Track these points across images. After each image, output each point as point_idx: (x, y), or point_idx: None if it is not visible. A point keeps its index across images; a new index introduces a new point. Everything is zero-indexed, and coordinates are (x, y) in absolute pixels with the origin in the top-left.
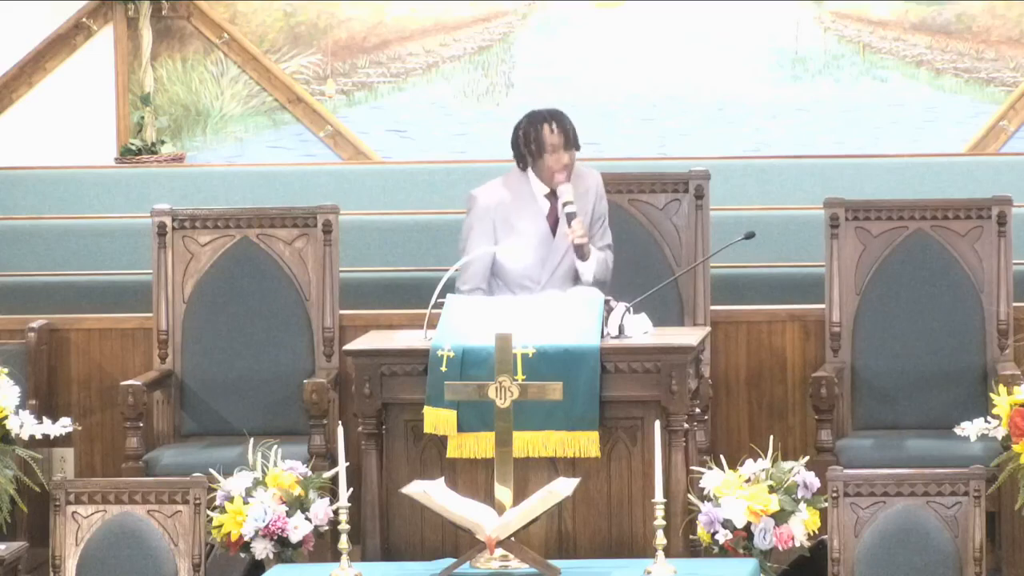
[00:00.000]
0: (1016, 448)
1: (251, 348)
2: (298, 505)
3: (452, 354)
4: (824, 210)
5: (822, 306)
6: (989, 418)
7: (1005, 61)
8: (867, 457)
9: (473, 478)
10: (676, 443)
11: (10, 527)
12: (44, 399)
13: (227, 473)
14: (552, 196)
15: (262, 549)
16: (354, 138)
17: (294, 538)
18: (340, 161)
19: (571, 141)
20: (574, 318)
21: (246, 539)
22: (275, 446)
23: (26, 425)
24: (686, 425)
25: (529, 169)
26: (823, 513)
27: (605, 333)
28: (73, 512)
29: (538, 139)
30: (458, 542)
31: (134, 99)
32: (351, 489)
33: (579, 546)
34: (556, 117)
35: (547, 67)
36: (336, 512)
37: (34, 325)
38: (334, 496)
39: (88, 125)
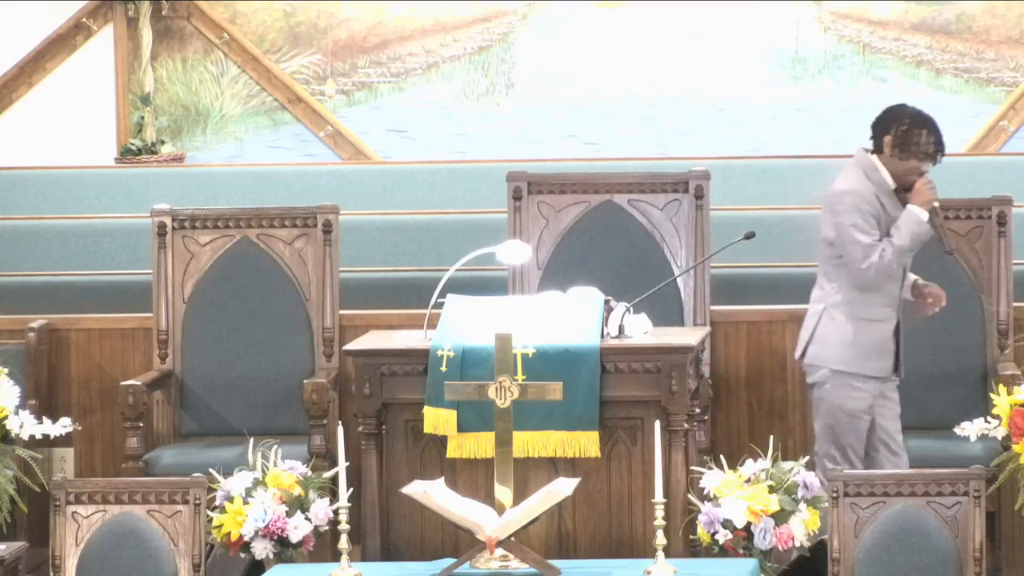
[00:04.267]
0: (1016, 448)
1: (251, 348)
2: (298, 505)
3: (452, 354)
4: None
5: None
6: (989, 418)
7: (1005, 61)
8: None
9: (473, 478)
10: (676, 443)
11: (10, 527)
12: (44, 399)
13: (227, 473)
14: (899, 190)
15: (262, 549)
16: (354, 138)
17: (294, 538)
18: (340, 161)
19: (941, 156)
20: (574, 318)
21: (246, 539)
22: (275, 446)
23: (26, 425)
24: (686, 425)
25: (875, 158)
26: (823, 513)
27: (605, 333)
28: (73, 512)
29: (916, 143)
30: (458, 542)
31: (134, 99)
32: (351, 489)
33: (579, 546)
34: (937, 129)
35: (547, 67)
36: (336, 512)
37: (34, 325)
38: (334, 496)
39: (88, 125)
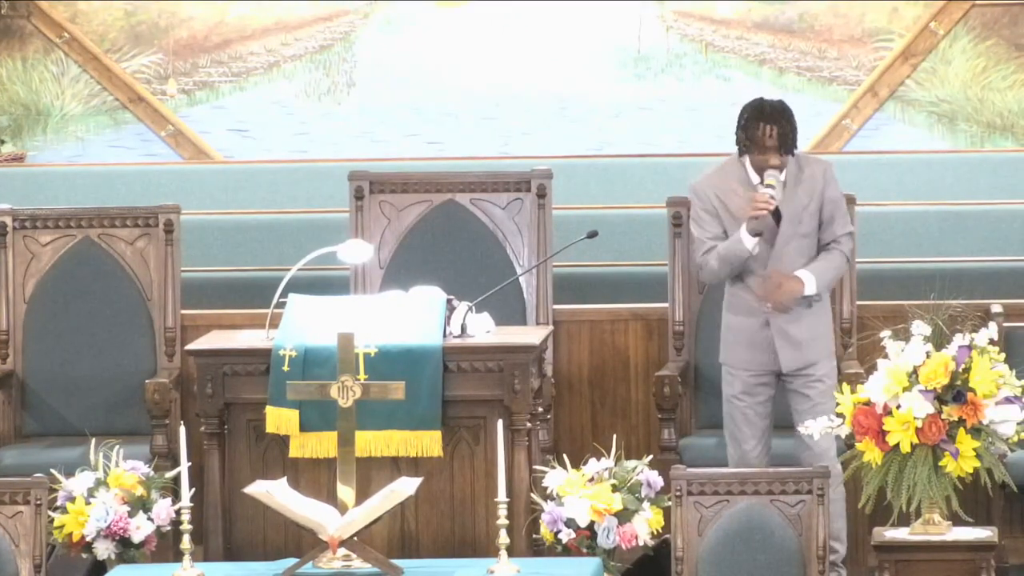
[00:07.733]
0: (859, 447)
1: (93, 348)
2: (140, 505)
3: (294, 353)
4: (667, 209)
5: (665, 305)
6: (833, 416)
7: (847, 60)
8: (710, 456)
9: (316, 478)
10: (519, 442)
11: None
12: None
13: (69, 473)
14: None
15: (104, 549)
16: (195, 137)
17: (136, 538)
18: (182, 161)
19: (785, 146)
20: (416, 317)
21: (88, 539)
22: (117, 446)
23: None
24: (529, 424)
25: (746, 156)
26: (667, 512)
27: (447, 332)
28: None
29: (754, 137)
30: (301, 542)
31: None
32: (193, 489)
33: (422, 546)
34: (776, 119)
35: (389, 66)
36: (178, 512)
37: None
38: (176, 496)
39: None
